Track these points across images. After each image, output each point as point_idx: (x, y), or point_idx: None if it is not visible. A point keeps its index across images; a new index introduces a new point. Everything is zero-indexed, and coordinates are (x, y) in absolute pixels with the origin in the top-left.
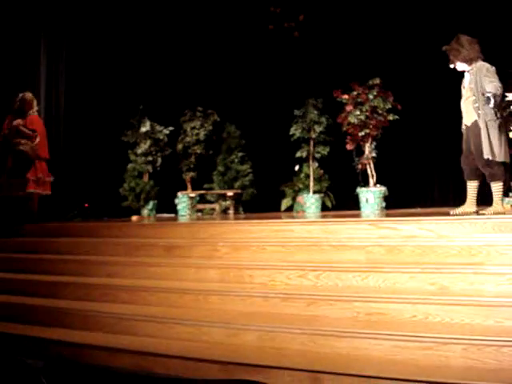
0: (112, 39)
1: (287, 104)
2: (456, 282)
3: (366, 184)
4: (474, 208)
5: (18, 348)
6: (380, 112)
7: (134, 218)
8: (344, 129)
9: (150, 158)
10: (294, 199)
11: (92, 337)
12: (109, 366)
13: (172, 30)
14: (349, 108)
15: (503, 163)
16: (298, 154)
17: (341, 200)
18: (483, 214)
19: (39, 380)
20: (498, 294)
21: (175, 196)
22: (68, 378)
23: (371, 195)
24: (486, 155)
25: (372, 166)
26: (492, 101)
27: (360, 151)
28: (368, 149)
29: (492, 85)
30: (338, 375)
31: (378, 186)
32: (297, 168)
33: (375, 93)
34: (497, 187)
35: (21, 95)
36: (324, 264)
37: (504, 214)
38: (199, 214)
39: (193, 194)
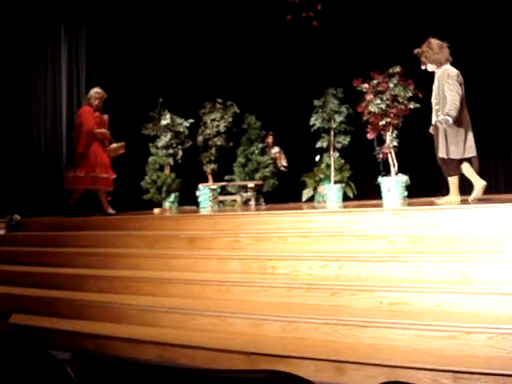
0: (131, 32)
1: (307, 94)
2: (480, 271)
3: (387, 173)
4: (458, 197)
5: (43, 340)
6: (401, 100)
7: (156, 210)
8: (364, 118)
9: (170, 151)
10: (315, 189)
11: (116, 328)
12: (133, 358)
13: (192, 22)
14: (369, 97)
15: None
16: (319, 144)
17: (362, 190)
18: (437, 204)
19: (65, 372)
20: None
21: (196, 188)
22: (94, 369)
23: (393, 184)
24: (441, 154)
25: (393, 154)
26: (449, 120)
27: (381, 140)
28: (389, 138)
29: (450, 99)
30: (362, 365)
31: (400, 174)
32: (317, 158)
33: (396, 81)
34: (452, 180)
35: (102, 92)
36: (346, 254)
37: (458, 203)
38: (220, 205)
39: (214, 186)
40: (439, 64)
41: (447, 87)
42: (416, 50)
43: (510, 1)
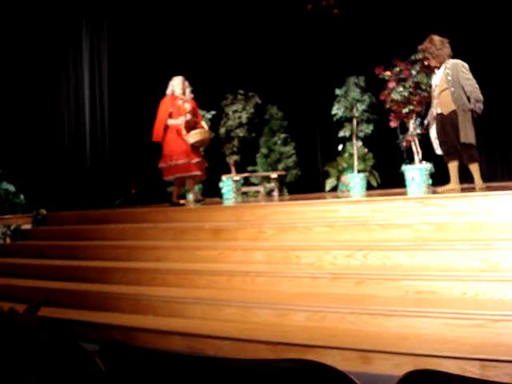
0: (152, 26)
1: (328, 83)
2: (507, 258)
3: (411, 161)
4: (457, 185)
5: (72, 333)
6: (424, 88)
7: (181, 201)
8: (387, 106)
9: None
10: (338, 179)
11: (143, 320)
12: (160, 348)
13: (212, 14)
14: (391, 85)
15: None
16: (341, 134)
17: (386, 178)
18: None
19: (95, 363)
20: None
21: (220, 180)
22: (123, 360)
23: (417, 172)
24: (464, 139)
25: (417, 142)
26: (481, 106)
27: (404, 128)
28: (412, 125)
29: (472, 87)
30: (388, 354)
31: (424, 162)
32: (340, 147)
33: (418, 68)
34: (475, 167)
35: (177, 79)
36: (371, 243)
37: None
38: (244, 196)
39: (237, 177)
40: (443, 59)
41: (464, 76)
42: (420, 47)
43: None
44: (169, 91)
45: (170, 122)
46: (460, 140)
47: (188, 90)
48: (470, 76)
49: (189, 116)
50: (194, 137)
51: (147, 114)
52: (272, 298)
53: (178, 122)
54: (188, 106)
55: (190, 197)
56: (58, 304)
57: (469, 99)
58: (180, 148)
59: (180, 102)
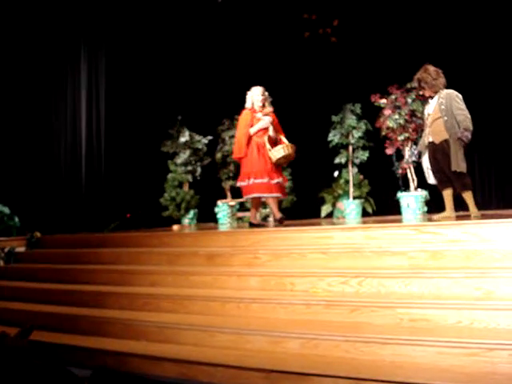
0: (150, 50)
1: (325, 110)
2: (501, 287)
3: (406, 188)
4: (452, 213)
5: (64, 357)
6: (419, 115)
7: (175, 227)
8: (383, 133)
9: (189, 168)
10: (333, 205)
11: (136, 345)
12: (152, 375)
13: (210, 40)
14: (387, 112)
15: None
16: (337, 160)
17: (382, 205)
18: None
19: None
20: None
21: (215, 205)
22: None
23: (412, 200)
24: (455, 168)
25: (412, 170)
26: (469, 135)
27: (400, 155)
28: (408, 153)
29: (464, 116)
30: (383, 382)
31: (419, 190)
32: (336, 174)
33: (413, 96)
34: (469, 194)
35: (256, 89)
36: (366, 270)
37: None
38: (239, 222)
39: (233, 203)
40: (438, 89)
41: (457, 106)
42: (415, 76)
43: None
44: (248, 104)
45: (252, 130)
46: (451, 169)
47: (267, 103)
48: (463, 106)
49: (271, 131)
50: (279, 152)
51: (143, 139)
52: (266, 325)
53: (260, 126)
54: (268, 120)
55: (185, 222)
56: (50, 328)
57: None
58: (261, 166)
59: (259, 116)
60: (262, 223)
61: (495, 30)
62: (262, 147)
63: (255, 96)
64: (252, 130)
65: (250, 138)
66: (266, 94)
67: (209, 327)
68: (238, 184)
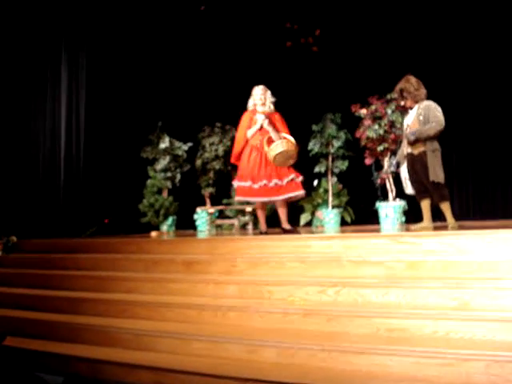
0: (131, 56)
1: (305, 119)
2: (477, 297)
3: (385, 198)
4: (430, 224)
5: (36, 364)
6: (398, 126)
7: (154, 233)
8: (362, 143)
9: (169, 174)
10: (312, 214)
11: (111, 353)
12: (127, 382)
13: (192, 46)
14: (367, 122)
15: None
16: (317, 169)
17: (360, 215)
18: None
19: None
20: None
21: (194, 212)
22: None
23: (391, 210)
24: (433, 178)
25: (391, 180)
26: (411, 137)
27: (379, 166)
28: (387, 163)
29: (434, 125)
30: None
31: (398, 200)
32: (315, 183)
33: (393, 107)
34: (447, 205)
35: (257, 88)
36: (343, 279)
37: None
38: (218, 229)
39: (212, 210)
40: (419, 99)
41: (434, 114)
42: (398, 86)
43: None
44: (250, 104)
45: (250, 132)
46: (429, 179)
47: (269, 102)
48: (441, 118)
49: (271, 132)
50: (275, 149)
51: (123, 144)
52: (243, 333)
53: (256, 127)
54: (261, 119)
55: (164, 228)
56: (24, 334)
57: (438, 140)
58: (249, 170)
59: (257, 117)
60: (265, 231)
61: (473, 43)
62: (257, 149)
63: (255, 96)
64: (250, 133)
65: (246, 142)
66: (268, 93)
67: (185, 335)
68: (236, 185)
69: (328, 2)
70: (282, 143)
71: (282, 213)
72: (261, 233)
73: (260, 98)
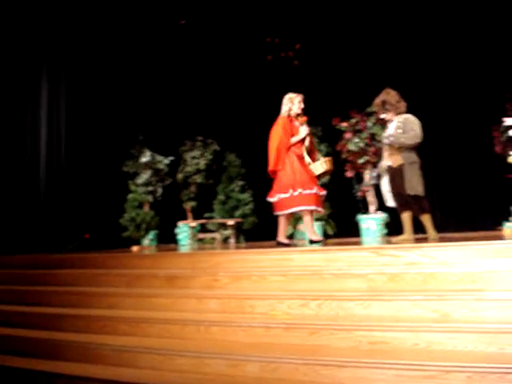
0: (112, 70)
1: None
2: (458, 309)
3: (366, 211)
4: (411, 236)
5: (16, 381)
6: (378, 139)
7: (135, 248)
8: (343, 156)
9: (150, 188)
10: (295, 227)
11: (92, 369)
12: None
13: (172, 61)
14: (348, 136)
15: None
16: None
17: (342, 227)
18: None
19: None
20: (501, 320)
21: (176, 226)
22: None
23: (372, 222)
24: (412, 191)
25: (372, 192)
26: (386, 141)
27: (360, 178)
28: (368, 176)
29: (411, 135)
30: None
31: (379, 212)
32: None
33: (374, 120)
34: (427, 217)
35: (293, 95)
36: (325, 293)
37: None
38: (200, 243)
39: (193, 224)
40: (400, 112)
41: (412, 128)
42: (379, 99)
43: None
44: (285, 111)
45: (294, 139)
46: (407, 192)
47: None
48: (418, 131)
49: (307, 142)
50: (317, 169)
51: (105, 158)
52: (225, 348)
53: (302, 135)
54: (306, 131)
55: (145, 243)
56: (4, 351)
57: (417, 152)
58: (306, 176)
59: (297, 124)
60: (291, 242)
61: (449, 59)
62: (301, 158)
63: (296, 103)
64: (294, 140)
65: (288, 149)
66: (293, 98)
67: (168, 350)
68: (274, 198)
69: (308, 17)
70: (326, 163)
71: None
72: (286, 244)
73: (299, 107)
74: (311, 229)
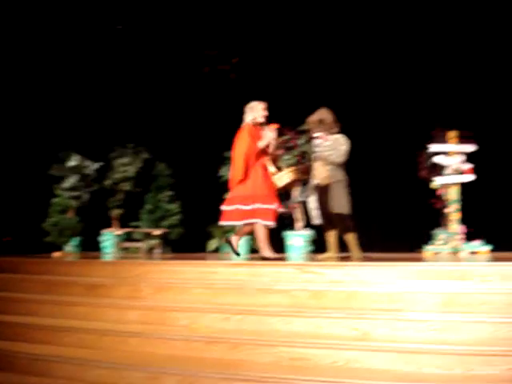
0: (45, 71)
1: (218, 145)
2: (378, 328)
3: (293, 227)
4: (335, 254)
5: None
6: (309, 157)
7: (56, 254)
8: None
9: (76, 193)
10: (221, 240)
11: (5, 378)
12: None
13: (106, 67)
14: (279, 152)
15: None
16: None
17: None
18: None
19: None
20: (418, 340)
21: (100, 233)
22: None
23: (298, 239)
24: (339, 209)
25: (300, 209)
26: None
27: (288, 195)
28: (296, 193)
29: (341, 152)
30: None
31: (306, 229)
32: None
33: (305, 138)
34: (352, 236)
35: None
36: (249, 307)
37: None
38: (124, 252)
39: (119, 232)
40: (334, 131)
41: (340, 149)
42: (315, 117)
43: None
44: (249, 119)
45: (261, 143)
46: (333, 211)
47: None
48: (345, 151)
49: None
50: (281, 180)
51: (29, 163)
52: (144, 360)
53: (268, 139)
54: (271, 136)
55: (68, 249)
56: None
57: (345, 171)
58: (263, 191)
59: (267, 132)
60: (278, 257)
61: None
62: (265, 169)
63: (258, 110)
64: (261, 144)
65: (258, 157)
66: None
67: (84, 361)
68: (231, 207)
69: (246, 32)
70: (293, 173)
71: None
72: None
73: (262, 115)
74: (264, 246)
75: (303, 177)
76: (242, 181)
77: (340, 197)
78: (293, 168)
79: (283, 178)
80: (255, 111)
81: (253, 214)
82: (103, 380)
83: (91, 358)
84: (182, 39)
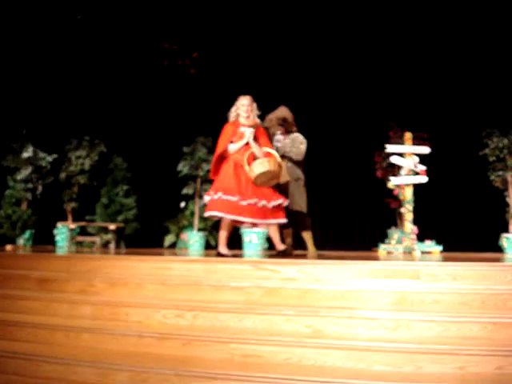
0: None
1: (177, 140)
2: (330, 326)
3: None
4: (291, 251)
5: None
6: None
7: (9, 247)
8: None
9: (30, 185)
10: (178, 236)
11: None
12: None
13: (64, 57)
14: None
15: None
16: (185, 191)
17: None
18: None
19: None
20: (370, 338)
21: (54, 226)
22: None
23: (254, 236)
24: (298, 207)
25: None
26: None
27: None
28: None
29: (300, 151)
30: None
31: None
32: (182, 205)
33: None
34: (309, 234)
35: (251, 99)
36: (202, 304)
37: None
38: (79, 246)
39: (73, 226)
40: (293, 129)
41: (298, 147)
42: (278, 115)
43: None
44: (232, 115)
45: (232, 148)
46: (292, 208)
47: (253, 114)
48: (303, 150)
49: (254, 147)
50: (258, 167)
51: None
52: (96, 356)
53: (242, 143)
54: (248, 134)
55: (20, 242)
56: None
57: (303, 169)
58: (233, 183)
59: (242, 129)
60: (232, 254)
61: (338, 83)
62: (241, 166)
63: (240, 106)
64: (232, 148)
65: (226, 156)
66: (255, 105)
67: (34, 356)
68: (205, 199)
69: (207, 27)
70: (265, 162)
71: (276, 234)
72: (226, 255)
73: (246, 110)
74: (222, 242)
75: (278, 169)
76: (215, 177)
77: (299, 195)
78: (270, 157)
79: (257, 166)
80: (235, 106)
81: (216, 205)
82: (55, 375)
83: (42, 353)
84: (141, 31)
